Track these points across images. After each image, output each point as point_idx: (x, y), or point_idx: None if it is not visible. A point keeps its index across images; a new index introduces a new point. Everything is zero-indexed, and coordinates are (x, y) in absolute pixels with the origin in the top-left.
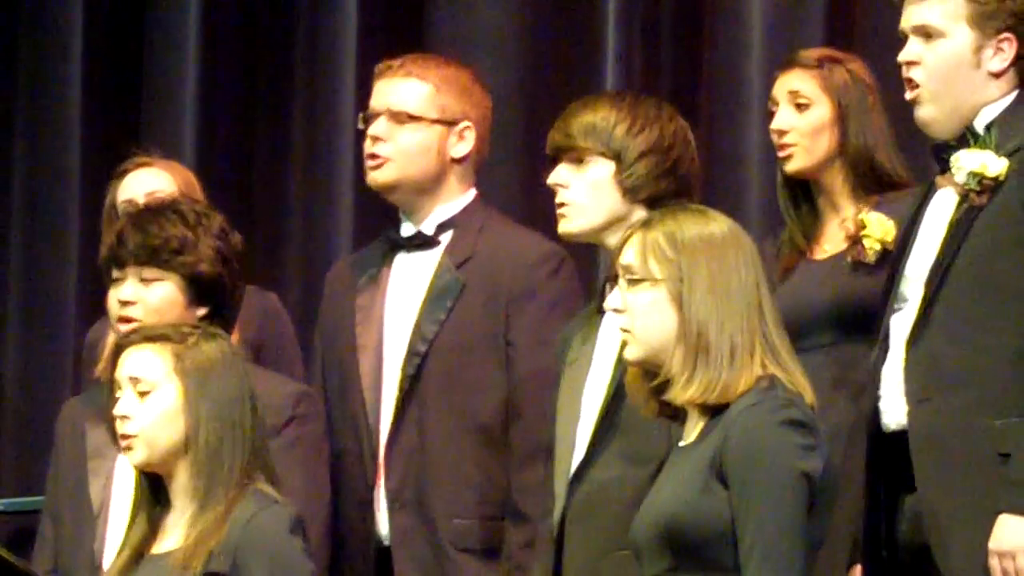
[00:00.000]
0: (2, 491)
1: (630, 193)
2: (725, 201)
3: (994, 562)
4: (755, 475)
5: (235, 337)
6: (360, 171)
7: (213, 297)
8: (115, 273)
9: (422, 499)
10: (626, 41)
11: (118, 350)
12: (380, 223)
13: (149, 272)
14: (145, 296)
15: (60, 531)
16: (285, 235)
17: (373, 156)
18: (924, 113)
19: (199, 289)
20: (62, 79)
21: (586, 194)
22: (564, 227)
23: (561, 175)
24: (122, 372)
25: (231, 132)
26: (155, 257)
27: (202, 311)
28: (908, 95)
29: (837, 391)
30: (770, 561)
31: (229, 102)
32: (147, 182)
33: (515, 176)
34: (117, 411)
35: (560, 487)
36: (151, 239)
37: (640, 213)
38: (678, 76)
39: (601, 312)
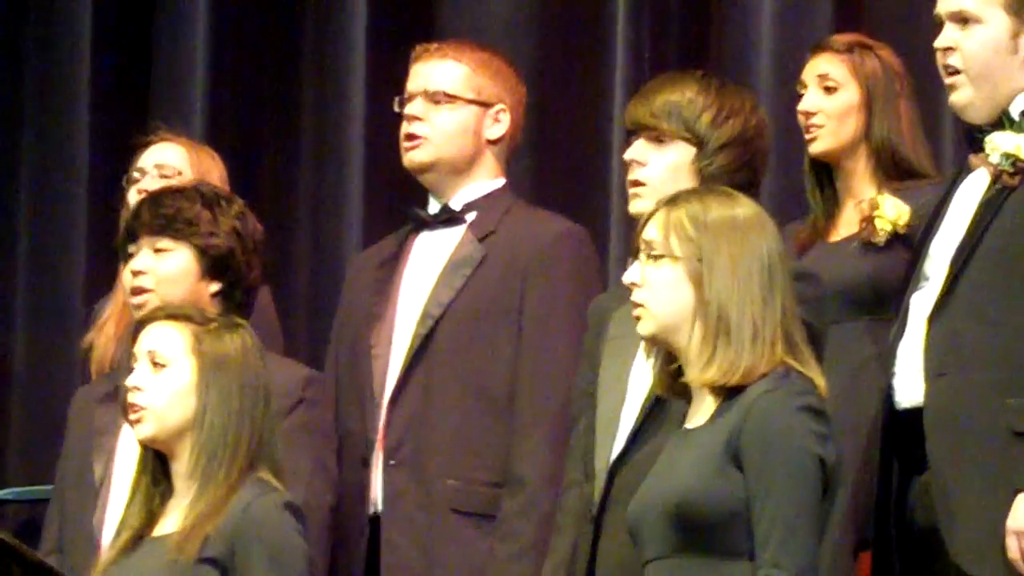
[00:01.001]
0: (10, 480)
1: (706, 181)
2: None
3: (1012, 541)
4: (774, 458)
5: None
6: (369, 160)
7: (226, 272)
8: (130, 248)
9: (418, 458)
10: (636, 32)
11: (140, 326)
12: (390, 212)
13: (162, 242)
14: (157, 266)
15: (65, 509)
16: (294, 225)
17: (410, 136)
18: (960, 97)
19: (212, 262)
20: (70, 70)
21: (663, 175)
22: (637, 207)
23: (639, 151)
24: (141, 346)
25: (240, 122)
26: (168, 227)
27: (215, 286)
28: (946, 81)
29: (842, 369)
30: (789, 543)
31: (238, 92)
32: (159, 155)
33: (525, 166)
34: (129, 382)
35: (601, 467)
36: (165, 210)
37: None
38: (687, 66)
39: None
